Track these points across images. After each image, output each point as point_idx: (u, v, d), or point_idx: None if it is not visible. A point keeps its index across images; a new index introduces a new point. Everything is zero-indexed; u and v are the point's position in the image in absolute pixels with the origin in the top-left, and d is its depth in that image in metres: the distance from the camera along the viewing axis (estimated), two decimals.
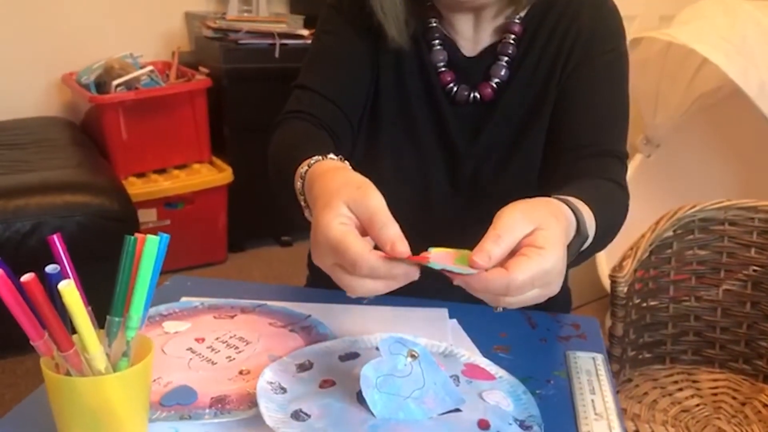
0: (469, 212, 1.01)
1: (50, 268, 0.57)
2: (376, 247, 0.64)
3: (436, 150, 1.01)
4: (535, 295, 0.63)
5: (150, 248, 0.58)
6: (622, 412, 0.73)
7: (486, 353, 0.81)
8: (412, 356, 0.68)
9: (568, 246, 0.69)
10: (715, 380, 1.36)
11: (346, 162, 0.77)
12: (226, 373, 0.74)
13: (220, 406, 0.68)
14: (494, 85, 0.98)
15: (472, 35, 0.99)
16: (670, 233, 1.32)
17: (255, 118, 2.53)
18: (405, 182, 1.01)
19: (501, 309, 0.73)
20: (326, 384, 0.71)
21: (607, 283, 1.48)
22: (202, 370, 0.75)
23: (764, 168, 2.36)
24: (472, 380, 0.74)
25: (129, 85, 2.64)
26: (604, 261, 2.24)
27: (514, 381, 0.75)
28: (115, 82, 2.61)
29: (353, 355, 0.76)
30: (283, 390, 0.69)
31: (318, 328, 0.83)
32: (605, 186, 0.90)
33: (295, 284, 1.10)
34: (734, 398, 1.30)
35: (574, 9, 0.96)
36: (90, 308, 0.59)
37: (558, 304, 0.90)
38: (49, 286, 0.57)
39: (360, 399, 0.67)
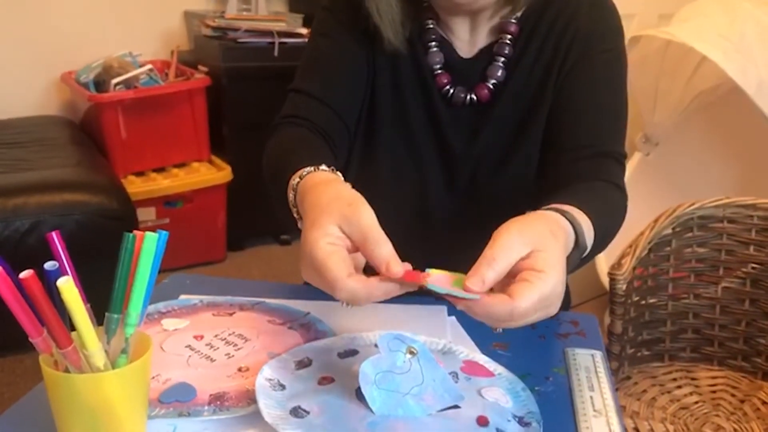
0: (467, 213, 1.01)
1: (49, 265, 0.57)
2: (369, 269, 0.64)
3: (432, 152, 1.00)
4: (536, 318, 0.63)
5: (149, 245, 0.59)
6: (621, 409, 0.74)
7: (485, 350, 0.81)
8: (411, 353, 0.68)
9: (567, 259, 0.69)
10: (713, 377, 1.36)
11: (338, 173, 0.77)
12: (224, 370, 0.74)
13: (219, 403, 0.68)
14: (491, 87, 0.97)
15: (468, 36, 0.98)
16: (669, 231, 1.32)
17: (254, 117, 2.53)
18: (402, 184, 1.01)
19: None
20: (325, 381, 0.71)
21: (606, 280, 1.48)
22: (201, 367, 0.75)
23: (763, 166, 2.36)
24: (471, 377, 0.74)
25: (128, 84, 2.64)
26: (603, 259, 2.24)
27: (513, 378, 0.75)
28: (114, 81, 2.61)
29: (352, 352, 0.76)
30: (282, 387, 0.69)
31: (317, 325, 0.84)
32: (604, 190, 0.89)
33: (294, 282, 1.10)
34: (733, 395, 1.31)
35: (572, 8, 0.95)
36: (89, 306, 0.59)
37: None
38: (48, 283, 0.57)
39: (359, 396, 0.67)
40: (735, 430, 1.21)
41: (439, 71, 0.98)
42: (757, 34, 1.92)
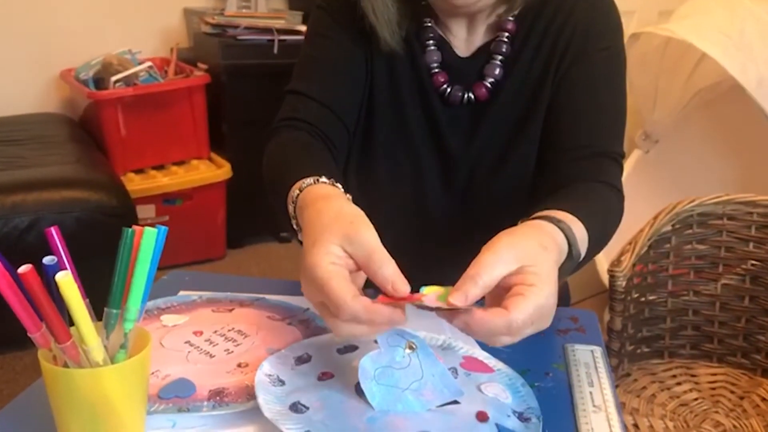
0: (465, 213, 1.00)
1: (48, 260, 0.57)
2: (369, 284, 0.64)
3: (430, 153, 0.99)
4: (531, 331, 0.63)
5: (148, 240, 0.58)
6: (620, 405, 0.73)
7: (484, 346, 0.81)
8: (411, 348, 0.68)
9: (559, 269, 0.69)
10: (713, 374, 1.36)
11: (338, 186, 0.76)
12: (224, 366, 0.74)
13: (218, 398, 0.68)
14: (488, 85, 0.96)
15: (465, 35, 0.97)
16: (669, 228, 1.32)
17: (254, 114, 2.53)
18: (400, 185, 1.00)
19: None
20: (325, 376, 0.71)
21: (605, 278, 1.48)
22: (201, 363, 0.74)
23: (763, 163, 2.36)
24: (470, 373, 0.74)
25: (127, 81, 2.63)
26: (603, 256, 2.24)
27: (513, 373, 0.75)
28: (114, 78, 2.61)
29: (351, 348, 0.76)
30: (282, 382, 0.69)
31: (316, 321, 0.83)
32: (600, 193, 0.88)
33: (294, 279, 1.10)
34: (732, 392, 1.31)
35: (570, 5, 0.94)
36: (87, 301, 0.59)
37: (557, 298, 0.90)
38: (47, 278, 0.56)
39: (358, 391, 0.67)
40: (734, 426, 1.21)
41: (436, 70, 0.97)
42: (757, 31, 1.92)
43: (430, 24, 0.97)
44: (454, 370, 0.74)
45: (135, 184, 2.61)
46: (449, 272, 0.92)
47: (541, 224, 0.71)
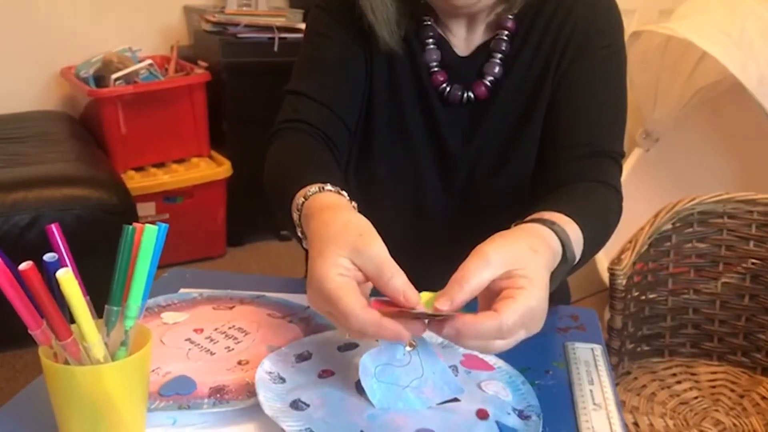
0: (465, 213, 1.00)
1: (48, 257, 0.57)
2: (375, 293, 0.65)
3: (429, 153, 0.99)
4: (522, 336, 0.63)
5: (148, 237, 0.58)
6: (620, 403, 0.74)
7: None
8: (411, 346, 0.68)
9: (552, 273, 0.69)
10: (713, 373, 1.36)
11: (343, 194, 0.76)
12: (224, 363, 0.74)
13: (218, 395, 0.68)
14: (488, 84, 0.95)
15: (465, 34, 0.97)
16: (669, 226, 1.32)
17: (254, 112, 2.53)
18: (399, 185, 1.00)
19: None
20: (325, 374, 0.71)
21: (605, 276, 1.48)
22: (201, 360, 0.75)
23: (763, 161, 2.36)
24: (470, 370, 0.74)
25: (128, 79, 2.63)
26: (603, 254, 2.24)
27: (513, 371, 0.75)
28: (114, 76, 2.61)
29: (352, 345, 0.76)
30: (282, 380, 0.69)
31: (317, 318, 0.83)
32: (599, 193, 0.88)
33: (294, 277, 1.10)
34: (732, 390, 1.31)
35: (570, 3, 0.94)
36: (88, 298, 0.59)
37: (557, 297, 0.90)
38: (48, 275, 0.56)
39: (359, 388, 0.67)
40: (734, 425, 1.22)
41: (436, 69, 0.96)
42: (758, 30, 1.92)
43: (429, 23, 0.97)
44: (455, 368, 0.74)
45: (135, 181, 2.61)
46: (449, 272, 0.92)
47: (533, 227, 0.71)
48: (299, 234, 0.76)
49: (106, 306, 0.61)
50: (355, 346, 0.76)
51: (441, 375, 0.68)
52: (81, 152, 2.45)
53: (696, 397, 1.29)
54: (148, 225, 0.58)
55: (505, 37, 0.95)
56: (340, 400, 0.66)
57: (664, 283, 1.37)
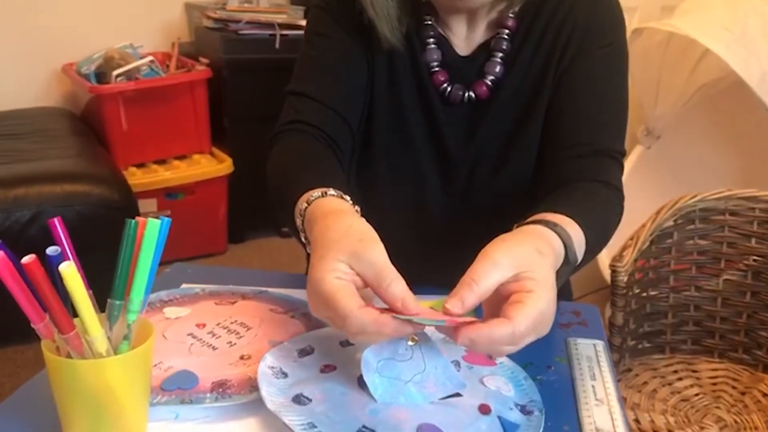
0: (466, 213, 1.00)
1: (51, 250, 0.57)
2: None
3: (429, 153, 0.98)
4: (532, 338, 0.63)
5: (151, 231, 0.58)
6: (622, 398, 0.74)
7: None
8: (413, 340, 0.68)
9: (556, 273, 0.69)
10: (714, 370, 1.36)
11: (346, 198, 0.75)
12: (227, 358, 0.74)
13: (221, 390, 0.68)
14: (489, 83, 0.94)
15: (466, 32, 0.96)
16: (671, 223, 1.32)
17: (255, 109, 2.54)
18: (400, 185, 1.00)
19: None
20: (327, 369, 0.71)
21: (607, 274, 1.48)
22: (203, 355, 0.75)
23: (765, 158, 2.35)
24: (472, 366, 0.74)
25: (129, 76, 2.63)
26: (605, 251, 2.23)
27: (515, 367, 0.75)
28: (115, 73, 2.61)
29: None
30: (284, 374, 0.69)
31: None
32: (600, 193, 0.88)
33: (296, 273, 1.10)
34: (734, 388, 1.31)
35: (571, 1, 0.93)
36: (91, 292, 0.59)
37: (559, 295, 0.89)
38: (50, 268, 0.56)
39: (361, 383, 0.67)
40: (735, 422, 1.22)
41: (436, 69, 0.96)
42: (760, 27, 1.91)
43: (430, 22, 0.96)
44: (457, 363, 0.74)
45: (136, 178, 2.61)
46: (450, 272, 0.91)
47: (536, 229, 0.71)
48: (303, 240, 0.76)
49: (108, 300, 0.61)
50: None
51: (443, 370, 0.68)
52: (82, 148, 2.46)
53: (697, 394, 1.29)
54: (150, 219, 0.58)
55: (506, 36, 0.94)
56: (342, 395, 0.66)
57: (665, 280, 1.37)
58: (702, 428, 1.20)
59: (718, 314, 1.38)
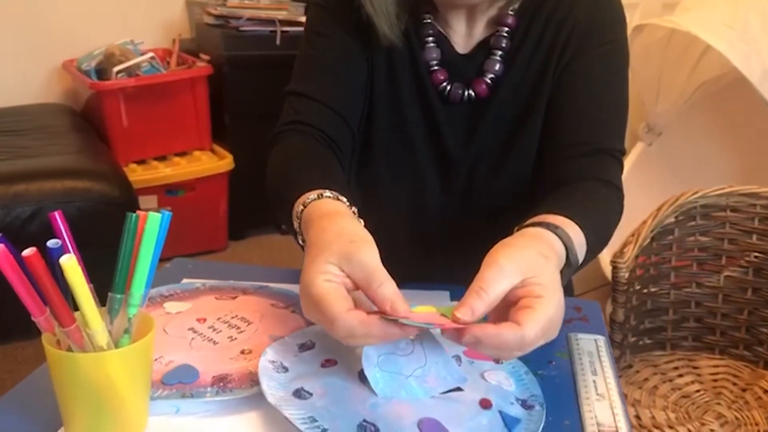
0: (465, 213, 0.99)
1: (52, 243, 0.57)
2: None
3: (428, 152, 0.98)
4: (540, 343, 0.62)
5: (152, 225, 0.58)
6: (623, 393, 0.73)
7: None
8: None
9: None
10: (715, 366, 1.36)
11: (342, 199, 0.75)
12: (227, 352, 0.74)
13: (221, 384, 0.68)
14: (488, 81, 0.94)
15: (465, 29, 0.95)
16: (672, 219, 1.32)
17: (256, 106, 2.53)
18: (399, 184, 0.99)
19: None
20: (328, 363, 0.71)
21: (608, 270, 1.48)
22: (204, 349, 0.74)
23: (766, 155, 2.35)
24: (473, 360, 0.74)
25: (130, 72, 2.63)
26: (606, 248, 2.23)
27: (516, 361, 0.75)
28: (116, 69, 2.60)
29: None
30: (285, 369, 0.69)
31: None
32: (600, 193, 0.87)
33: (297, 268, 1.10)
34: (735, 384, 1.31)
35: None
36: (91, 286, 0.59)
37: None
38: (51, 262, 0.56)
39: (362, 378, 0.67)
40: (736, 418, 1.21)
41: (436, 68, 0.95)
42: (761, 23, 1.91)
43: (429, 20, 0.95)
44: (458, 358, 0.73)
45: (137, 174, 2.61)
46: (449, 271, 0.91)
47: (538, 232, 0.71)
48: (300, 242, 0.76)
49: (109, 294, 0.61)
50: None
51: (444, 364, 0.68)
52: (83, 145, 2.45)
53: (698, 391, 1.29)
54: (151, 212, 0.58)
55: (506, 34, 0.93)
56: (343, 389, 0.66)
57: (666, 276, 1.37)
58: (703, 424, 1.20)
59: (719, 311, 1.38)
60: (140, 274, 0.59)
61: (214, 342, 0.76)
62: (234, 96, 2.80)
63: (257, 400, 0.66)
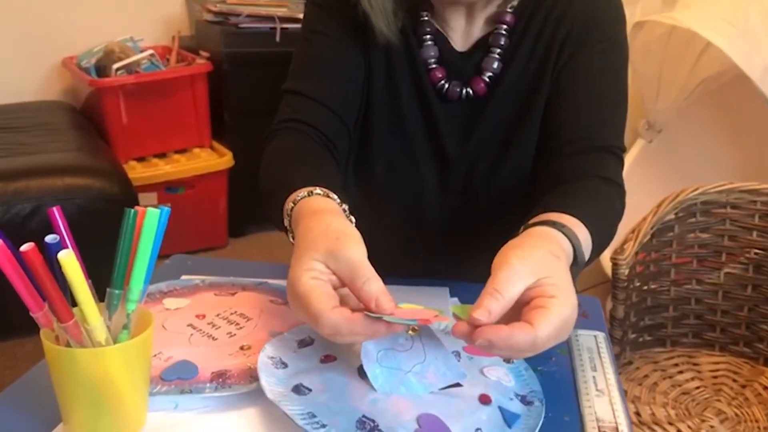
0: (464, 211, 0.99)
1: (50, 238, 0.57)
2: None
3: (427, 151, 0.97)
4: (552, 344, 0.61)
5: (150, 221, 0.58)
6: (623, 389, 0.73)
7: None
8: (414, 330, 0.68)
9: None
10: (715, 363, 1.36)
11: (332, 197, 0.75)
12: (226, 348, 0.74)
13: (221, 380, 0.68)
14: (486, 80, 0.93)
15: (463, 27, 0.95)
16: (672, 216, 1.32)
17: (256, 103, 2.52)
18: (397, 184, 0.99)
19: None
20: (327, 359, 0.70)
21: (608, 267, 1.48)
22: (203, 345, 0.74)
23: (766, 151, 2.35)
24: (473, 356, 0.74)
25: (129, 69, 2.63)
26: None
27: None
28: (116, 66, 2.60)
29: None
30: (284, 365, 0.69)
31: None
32: (602, 191, 0.87)
33: None
34: (735, 381, 1.31)
35: None
36: (90, 282, 0.59)
37: None
38: (49, 257, 0.56)
39: (361, 373, 0.67)
40: (736, 414, 1.21)
41: (434, 66, 0.94)
42: (762, 20, 1.91)
43: (426, 18, 0.95)
44: (457, 353, 0.73)
45: (137, 171, 2.60)
46: (450, 269, 0.91)
47: (545, 231, 0.70)
48: (291, 240, 0.76)
49: (107, 289, 0.60)
50: None
51: (443, 360, 0.68)
52: (82, 142, 2.45)
53: (698, 387, 1.29)
54: (150, 208, 0.58)
55: (504, 32, 0.93)
56: (343, 385, 0.66)
57: (666, 273, 1.37)
58: (703, 421, 1.20)
59: (719, 307, 1.37)
60: (139, 269, 0.59)
61: (213, 338, 0.76)
62: (234, 93, 2.80)
63: (256, 395, 0.66)
